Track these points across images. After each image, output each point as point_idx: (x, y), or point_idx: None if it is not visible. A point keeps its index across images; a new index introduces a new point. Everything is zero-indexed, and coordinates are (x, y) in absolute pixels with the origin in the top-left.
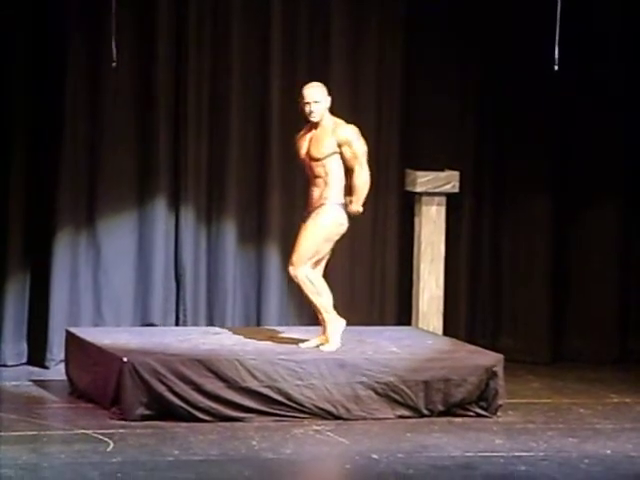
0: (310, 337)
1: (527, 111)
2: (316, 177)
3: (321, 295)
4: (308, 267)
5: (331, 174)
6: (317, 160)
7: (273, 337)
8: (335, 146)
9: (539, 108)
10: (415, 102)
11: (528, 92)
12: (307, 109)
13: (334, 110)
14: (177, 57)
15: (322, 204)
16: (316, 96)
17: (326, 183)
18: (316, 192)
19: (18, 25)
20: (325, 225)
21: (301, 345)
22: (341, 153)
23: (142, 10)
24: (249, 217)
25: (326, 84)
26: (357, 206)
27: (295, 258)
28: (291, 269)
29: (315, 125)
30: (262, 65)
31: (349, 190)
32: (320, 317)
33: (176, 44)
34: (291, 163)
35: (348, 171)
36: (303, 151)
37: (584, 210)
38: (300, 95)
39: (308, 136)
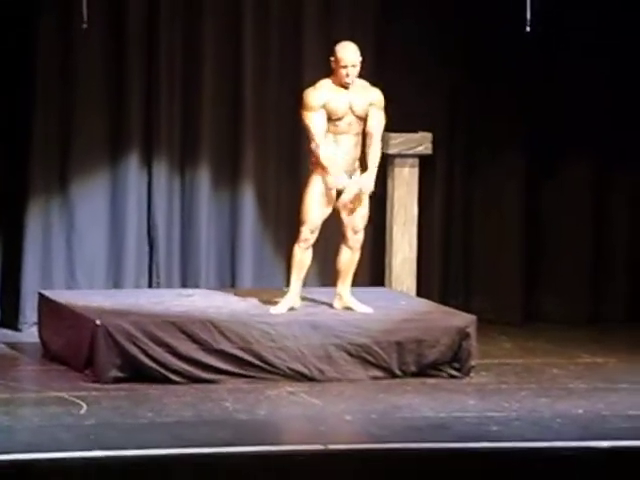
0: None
1: (500, 71)
2: (357, 134)
3: None
4: None
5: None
6: (361, 119)
7: (247, 298)
8: (367, 105)
9: (512, 67)
10: (388, 62)
11: (501, 51)
12: (344, 72)
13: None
14: (149, 12)
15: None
16: (355, 59)
17: (359, 142)
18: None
19: None
20: None
21: (272, 311)
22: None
23: None
24: (222, 176)
25: (300, 42)
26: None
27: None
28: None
29: (343, 86)
30: (235, 21)
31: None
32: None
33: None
34: (265, 116)
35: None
36: (344, 108)
37: (557, 170)
38: (335, 56)
39: (341, 96)
